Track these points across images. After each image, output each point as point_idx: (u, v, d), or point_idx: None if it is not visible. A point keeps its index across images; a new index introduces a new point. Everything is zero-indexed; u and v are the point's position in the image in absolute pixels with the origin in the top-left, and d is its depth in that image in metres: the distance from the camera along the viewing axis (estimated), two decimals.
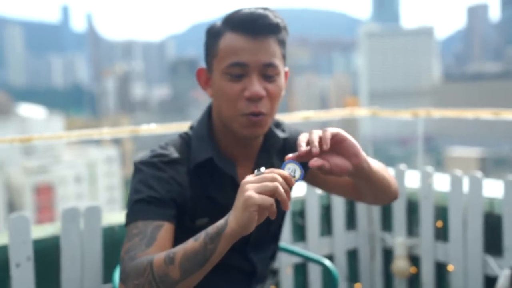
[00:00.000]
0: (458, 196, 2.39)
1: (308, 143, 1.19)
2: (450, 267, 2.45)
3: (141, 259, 1.22)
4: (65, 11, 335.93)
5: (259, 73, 1.41)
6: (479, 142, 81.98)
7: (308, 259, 2.07)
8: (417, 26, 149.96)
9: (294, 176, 1.15)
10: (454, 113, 2.80)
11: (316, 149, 1.16)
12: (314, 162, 1.16)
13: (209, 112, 1.54)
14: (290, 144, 1.59)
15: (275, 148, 1.55)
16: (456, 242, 2.41)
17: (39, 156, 56.61)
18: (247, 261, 1.58)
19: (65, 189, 53.01)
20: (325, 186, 1.67)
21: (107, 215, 2.15)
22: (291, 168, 1.16)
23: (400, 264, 2.61)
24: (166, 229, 1.33)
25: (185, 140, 1.51)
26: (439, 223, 2.51)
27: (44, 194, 50.89)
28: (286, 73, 1.52)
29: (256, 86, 1.40)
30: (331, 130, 1.20)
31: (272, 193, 1.09)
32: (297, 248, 2.32)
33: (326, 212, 2.65)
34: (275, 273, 1.91)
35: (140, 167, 1.43)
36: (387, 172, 1.48)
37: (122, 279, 1.23)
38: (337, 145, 1.22)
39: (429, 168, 2.52)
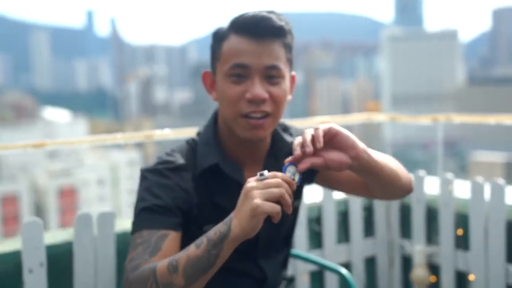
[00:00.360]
0: (479, 204, 2.33)
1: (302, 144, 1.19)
2: (471, 277, 2.39)
3: (144, 268, 1.21)
4: (90, 16, 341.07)
5: (262, 75, 1.38)
6: (504, 147, 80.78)
7: (324, 267, 2.03)
8: (441, 29, 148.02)
9: (294, 179, 1.16)
10: (475, 118, 2.73)
11: (309, 149, 1.16)
12: (302, 165, 1.17)
13: (215, 117, 1.52)
14: None
15: (282, 153, 1.53)
16: (477, 250, 2.35)
17: (62, 159, 57.38)
18: (257, 267, 1.55)
19: (88, 192, 53.56)
20: (338, 186, 1.66)
21: (121, 221, 2.14)
22: (291, 171, 1.16)
23: (420, 272, 2.56)
24: (171, 238, 1.31)
25: (191, 146, 1.50)
26: (460, 231, 2.45)
27: (68, 196, 51.48)
28: (293, 77, 1.49)
29: (258, 89, 1.37)
30: (322, 127, 1.20)
31: (278, 199, 1.09)
32: (314, 255, 2.28)
33: (343, 219, 2.60)
34: (288, 280, 1.88)
35: (145, 174, 1.42)
36: (396, 165, 1.45)
37: None
38: (332, 140, 1.22)
39: (450, 175, 2.47)
